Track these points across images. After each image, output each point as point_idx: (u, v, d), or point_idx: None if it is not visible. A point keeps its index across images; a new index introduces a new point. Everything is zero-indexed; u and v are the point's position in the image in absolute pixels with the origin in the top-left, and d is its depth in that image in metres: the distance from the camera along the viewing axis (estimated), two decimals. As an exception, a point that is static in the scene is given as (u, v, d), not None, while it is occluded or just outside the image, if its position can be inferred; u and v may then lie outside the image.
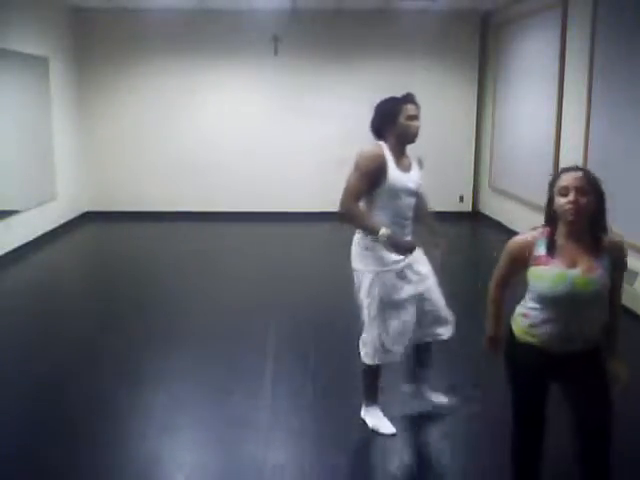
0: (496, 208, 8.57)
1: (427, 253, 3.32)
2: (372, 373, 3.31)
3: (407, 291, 3.16)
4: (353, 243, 3.21)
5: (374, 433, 3.27)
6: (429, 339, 3.38)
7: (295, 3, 8.11)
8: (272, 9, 8.37)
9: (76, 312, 5.40)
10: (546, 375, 2.31)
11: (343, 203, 3.02)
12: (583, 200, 2.14)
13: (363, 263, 3.14)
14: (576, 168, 2.24)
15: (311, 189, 9.09)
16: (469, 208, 9.44)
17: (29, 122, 7.45)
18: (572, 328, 2.21)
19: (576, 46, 6.16)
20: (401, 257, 3.07)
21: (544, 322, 2.24)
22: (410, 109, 3.06)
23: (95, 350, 4.43)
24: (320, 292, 5.76)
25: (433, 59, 8.93)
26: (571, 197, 2.15)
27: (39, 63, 7.63)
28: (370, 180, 3.01)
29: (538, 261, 2.23)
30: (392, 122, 3.07)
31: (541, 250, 2.23)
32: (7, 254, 6.72)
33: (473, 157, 9.31)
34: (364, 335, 3.26)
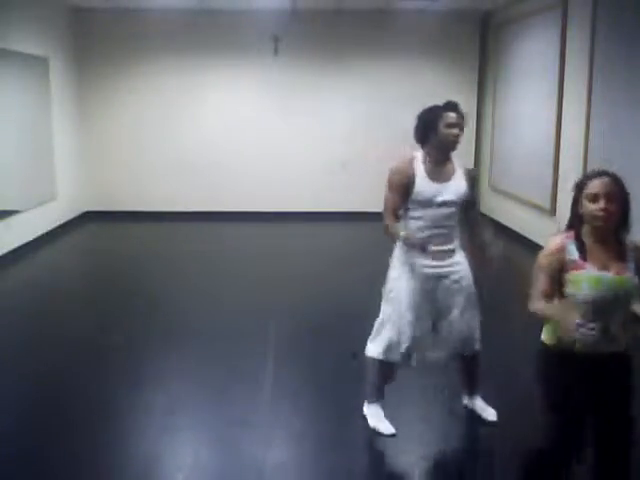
0: (496, 208, 8.57)
1: (473, 265, 3.25)
2: (378, 369, 3.29)
3: (426, 301, 3.15)
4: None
5: (374, 433, 3.27)
6: (459, 352, 3.32)
7: (295, 3, 8.11)
8: (272, 9, 8.37)
9: (76, 312, 5.40)
10: (586, 383, 2.25)
11: (383, 221, 3.15)
12: (612, 207, 2.17)
13: (395, 261, 3.23)
14: (605, 173, 2.24)
15: (311, 189, 9.09)
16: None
17: (29, 122, 7.45)
18: (612, 330, 2.21)
19: (576, 46, 6.16)
20: (430, 263, 3.10)
21: (583, 325, 2.19)
22: (450, 117, 3.06)
23: (95, 350, 4.43)
24: (320, 292, 5.76)
25: (433, 59, 8.93)
26: (602, 204, 2.17)
27: (39, 63, 7.63)
28: (400, 192, 3.11)
29: (574, 266, 2.23)
30: (432, 130, 3.09)
31: (574, 254, 2.24)
32: (7, 254, 6.72)
33: (473, 157, 9.30)
34: (377, 329, 3.26)
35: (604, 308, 2.20)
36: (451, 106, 3.11)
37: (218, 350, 4.39)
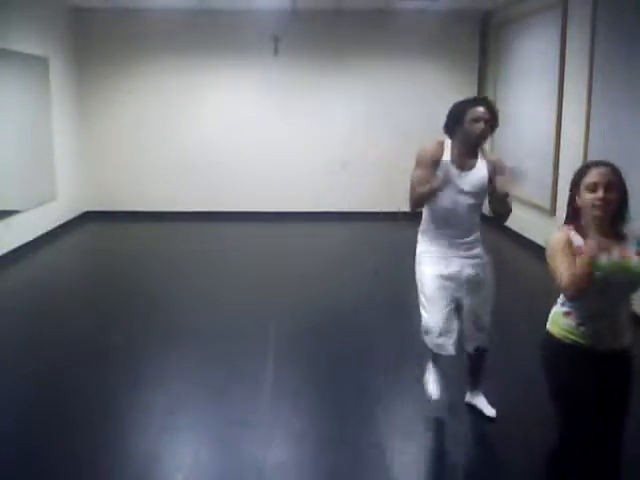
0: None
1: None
2: (431, 354, 3.40)
3: (444, 286, 3.21)
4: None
5: (374, 433, 3.27)
6: (468, 347, 3.37)
7: (295, 3, 8.11)
8: (272, 9, 8.37)
9: (76, 312, 5.40)
10: (594, 377, 2.24)
11: (409, 197, 3.18)
12: (611, 196, 2.16)
13: (420, 244, 3.31)
14: (602, 162, 2.24)
15: (311, 189, 9.08)
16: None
17: (29, 122, 7.45)
18: (619, 322, 2.21)
19: (576, 46, 6.16)
20: (443, 251, 3.18)
21: (591, 318, 2.21)
22: (476, 112, 3.09)
23: (95, 350, 4.43)
24: (320, 292, 5.76)
25: (433, 59, 8.93)
26: (600, 194, 2.15)
27: (39, 63, 7.63)
28: (430, 167, 3.14)
29: (581, 251, 2.19)
30: (458, 123, 3.14)
31: (579, 241, 2.22)
32: (7, 254, 6.72)
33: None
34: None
35: (610, 294, 2.18)
36: (480, 101, 3.16)
37: (218, 350, 4.39)
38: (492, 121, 3.14)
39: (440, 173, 3.13)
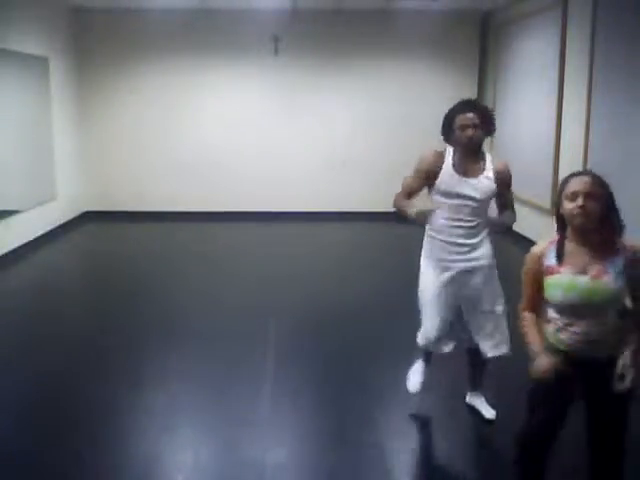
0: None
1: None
2: (422, 352, 3.45)
3: (448, 294, 3.22)
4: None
5: (374, 433, 3.27)
6: (472, 346, 3.36)
7: (295, 3, 8.11)
8: (272, 9, 8.37)
9: (76, 312, 5.40)
10: (572, 383, 2.25)
11: (395, 196, 3.25)
12: (591, 205, 2.14)
13: (422, 254, 3.32)
14: (584, 172, 2.24)
15: (311, 189, 9.09)
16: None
17: (29, 122, 7.45)
18: (594, 334, 2.19)
19: (576, 46, 6.16)
20: (449, 257, 3.18)
21: (567, 327, 2.22)
22: (462, 119, 3.07)
23: (95, 350, 4.43)
24: (320, 292, 5.76)
25: (433, 59, 8.93)
26: (579, 202, 2.14)
27: (39, 63, 7.62)
28: (421, 178, 3.19)
29: (549, 271, 2.23)
30: (450, 130, 3.14)
31: (551, 259, 2.23)
32: (7, 254, 6.72)
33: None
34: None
35: (580, 313, 2.18)
36: (465, 107, 3.12)
37: (218, 350, 4.39)
38: (484, 125, 3.10)
39: (435, 195, 3.16)
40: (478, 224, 3.19)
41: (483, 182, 3.13)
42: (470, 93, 9.04)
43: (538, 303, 2.31)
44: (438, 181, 3.14)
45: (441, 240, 3.20)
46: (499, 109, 8.57)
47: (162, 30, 8.65)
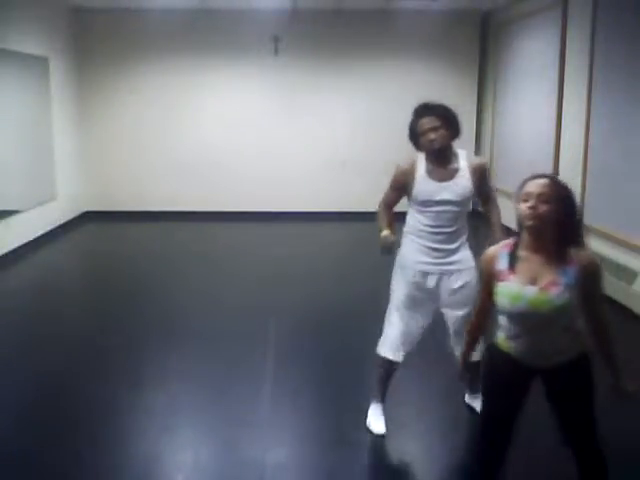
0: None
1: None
2: (381, 366, 3.29)
3: (423, 299, 3.18)
4: None
5: (374, 433, 3.27)
6: (454, 352, 3.30)
7: (295, 3, 8.11)
8: (272, 9, 8.37)
9: (76, 312, 5.40)
10: (522, 387, 2.25)
11: (378, 204, 3.28)
12: (543, 207, 2.05)
13: (398, 257, 3.29)
14: (543, 176, 2.15)
15: (311, 189, 9.09)
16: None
17: (29, 122, 7.45)
18: (540, 344, 2.16)
19: (576, 46, 6.16)
20: (426, 259, 3.15)
21: (515, 336, 2.19)
22: (423, 124, 3.03)
23: (95, 350, 4.43)
24: (320, 291, 5.76)
25: (433, 59, 8.93)
26: (530, 203, 2.07)
27: (39, 63, 7.63)
28: (398, 190, 3.20)
29: (500, 276, 2.17)
30: (415, 138, 3.11)
31: (503, 264, 2.18)
32: (7, 254, 6.72)
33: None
34: (384, 325, 3.28)
35: (528, 323, 2.14)
36: (422, 112, 3.06)
37: (218, 350, 4.39)
38: (446, 126, 3.03)
39: (414, 206, 3.14)
40: (457, 229, 3.17)
41: (459, 183, 3.10)
42: (470, 93, 9.07)
43: (489, 307, 2.28)
44: (415, 191, 3.09)
45: (420, 244, 3.16)
46: (499, 109, 8.57)
47: (162, 30, 8.65)
